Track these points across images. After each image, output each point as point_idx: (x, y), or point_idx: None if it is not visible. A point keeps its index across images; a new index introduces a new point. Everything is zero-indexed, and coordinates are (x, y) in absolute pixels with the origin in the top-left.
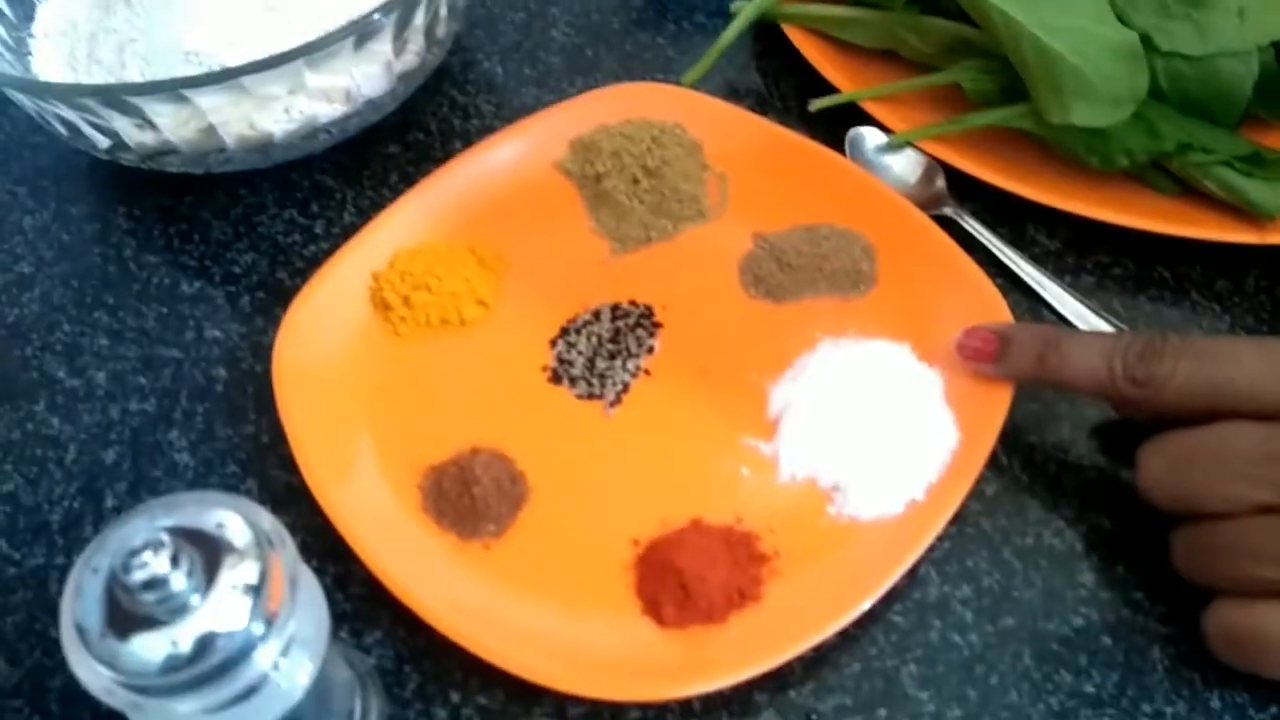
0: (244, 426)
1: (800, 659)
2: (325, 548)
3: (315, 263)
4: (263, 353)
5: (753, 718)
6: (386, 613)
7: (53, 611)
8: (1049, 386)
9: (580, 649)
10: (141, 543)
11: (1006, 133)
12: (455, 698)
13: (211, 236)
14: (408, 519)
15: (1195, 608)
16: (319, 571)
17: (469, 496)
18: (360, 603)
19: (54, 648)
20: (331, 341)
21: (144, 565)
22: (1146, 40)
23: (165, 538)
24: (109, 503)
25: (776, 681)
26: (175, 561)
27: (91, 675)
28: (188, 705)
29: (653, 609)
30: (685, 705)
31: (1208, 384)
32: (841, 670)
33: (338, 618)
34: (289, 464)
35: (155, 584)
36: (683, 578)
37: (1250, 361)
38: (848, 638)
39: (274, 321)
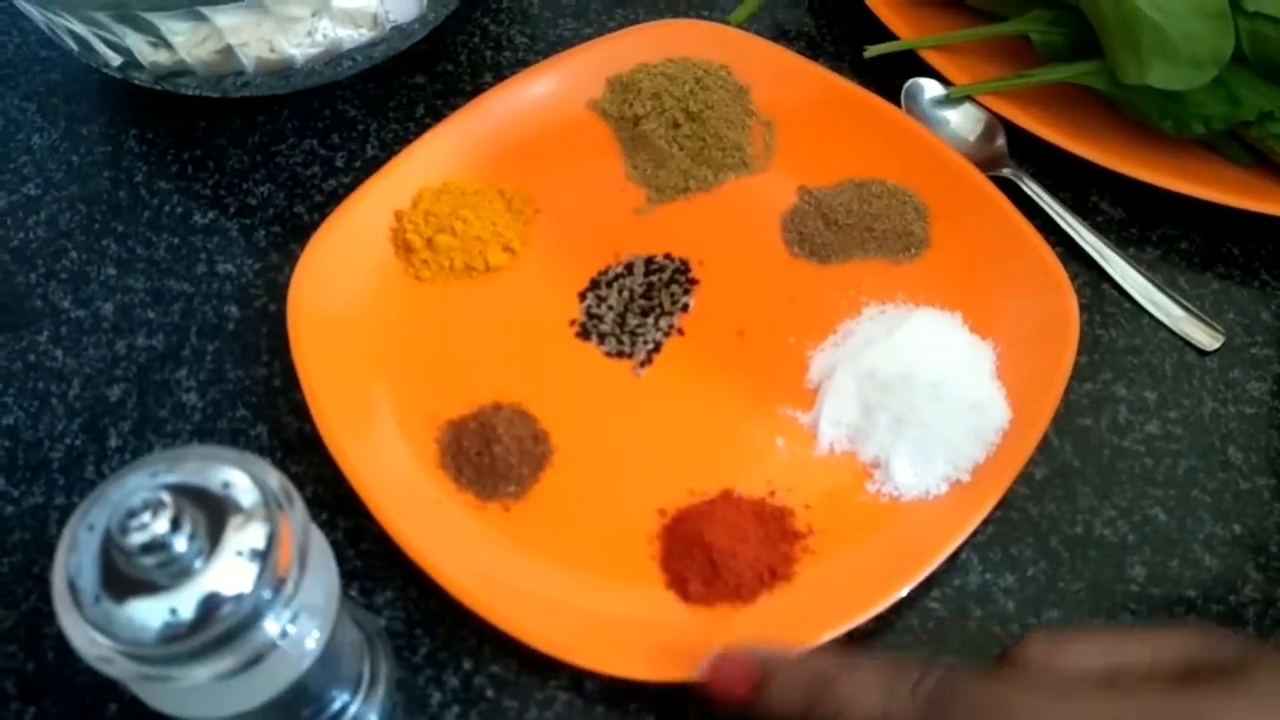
0: (256, 369)
1: (831, 643)
2: (336, 501)
3: (335, 197)
4: (277, 291)
5: None
6: (399, 572)
7: (51, 554)
8: None
9: (599, 622)
10: (141, 502)
11: (1074, 91)
12: (468, 665)
13: (227, 165)
14: (424, 475)
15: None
16: (329, 525)
17: (489, 455)
18: (371, 560)
19: (51, 592)
20: (350, 283)
21: (143, 527)
22: None
23: (166, 497)
24: (112, 442)
25: None
26: (177, 523)
27: (86, 642)
28: (190, 675)
29: (678, 584)
30: None
31: None
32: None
33: (347, 575)
34: (301, 410)
35: (155, 547)
36: (711, 552)
37: None
38: (882, 623)
39: (290, 258)
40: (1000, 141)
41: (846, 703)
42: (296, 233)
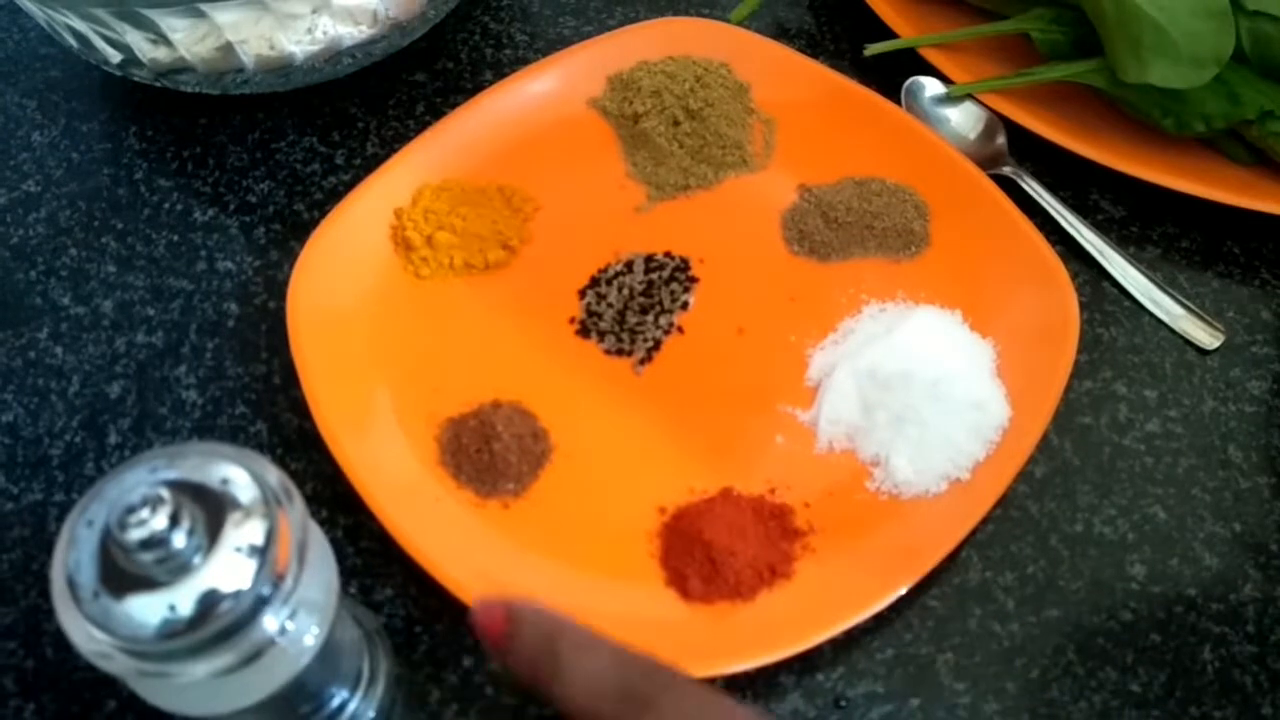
0: (255, 366)
1: (830, 641)
2: (336, 498)
3: (335, 195)
4: (277, 288)
5: (778, 700)
6: (398, 569)
7: (50, 550)
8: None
9: (599, 619)
10: (139, 498)
11: (1075, 89)
12: (467, 662)
13: (227, 162)
14: (424, 472)
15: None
16: (328, 523)
17: (488, 452)
18: (370, 558)
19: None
20: (349, 280)
21: (142, 523)
22: None
23: (165, 493)
24: (112, 439)
25: (804, 663)
26: (175, 519)
27: (84, 637)
28: (188, 671)
29: (678, 581)
30: (707, 684)
31: None
32: (873, 655)
33: (346, 572)
34: (301, 407)
35: (153, 543)
36: (711, 550)
37: None
38: (881, 621)
39: (289, 255)
40: (1001, 140)
41: (564, 683)
42: (296, 230)
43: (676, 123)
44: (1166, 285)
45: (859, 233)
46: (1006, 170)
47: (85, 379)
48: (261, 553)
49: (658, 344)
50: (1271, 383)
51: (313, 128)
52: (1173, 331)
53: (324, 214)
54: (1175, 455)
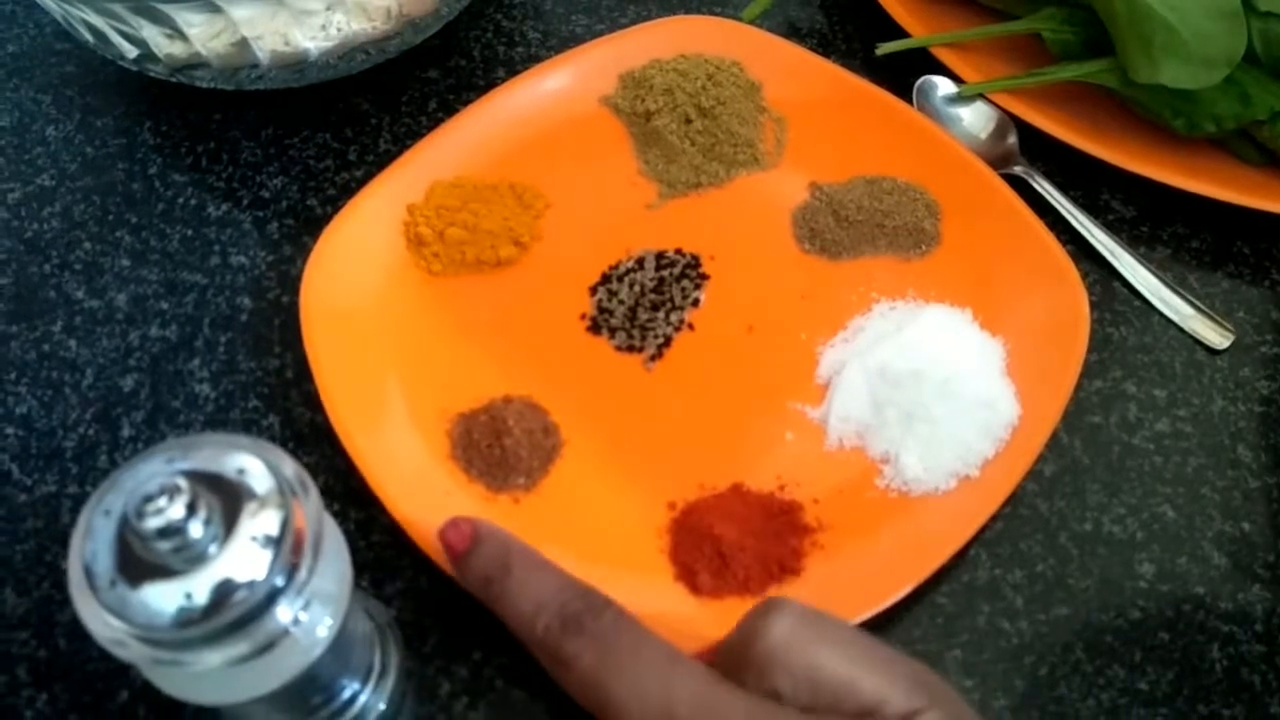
0: (268, 360)
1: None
2: (348, 492)
3: (347, 191)
4: (290, 283)
5: None
6: (409, 562)
7: (64, 542)
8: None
9: None
10: (157, 488)
11: (1086, 89)
12: (477, 655)
13: (241, 157)
14: (435, 467)
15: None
16: (340, 516)
17: (499, 447)
18: (382, 551)
19: (64, 580)
20: (362, 275)
21: (159, 511)
22: None
23: (182, 483)
24: (125, 432)
25: None
26: (192, 508)
27: (101, 625)
28: (202, 660)
29: (687, 576)
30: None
31: (596, 689)
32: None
33: (358, 566)
34: (313, 401)
35: (170, 532)
36: (720, 546)
37: (629, 689)
38: (890, 618)
39: (302, 250)
40: (1012, 139)
41: (510, 595)
42: (309, 225)
43: (688, 121)
44: (1177, 285)
45: (870, 231)
46: (1017, 170)
47: (99, 372)
48: (276, 543)
49: (668, 341)
50: None
51: (326, 124)
52: (1183, 331)
53: (337, 209)
54: (1185, 455)
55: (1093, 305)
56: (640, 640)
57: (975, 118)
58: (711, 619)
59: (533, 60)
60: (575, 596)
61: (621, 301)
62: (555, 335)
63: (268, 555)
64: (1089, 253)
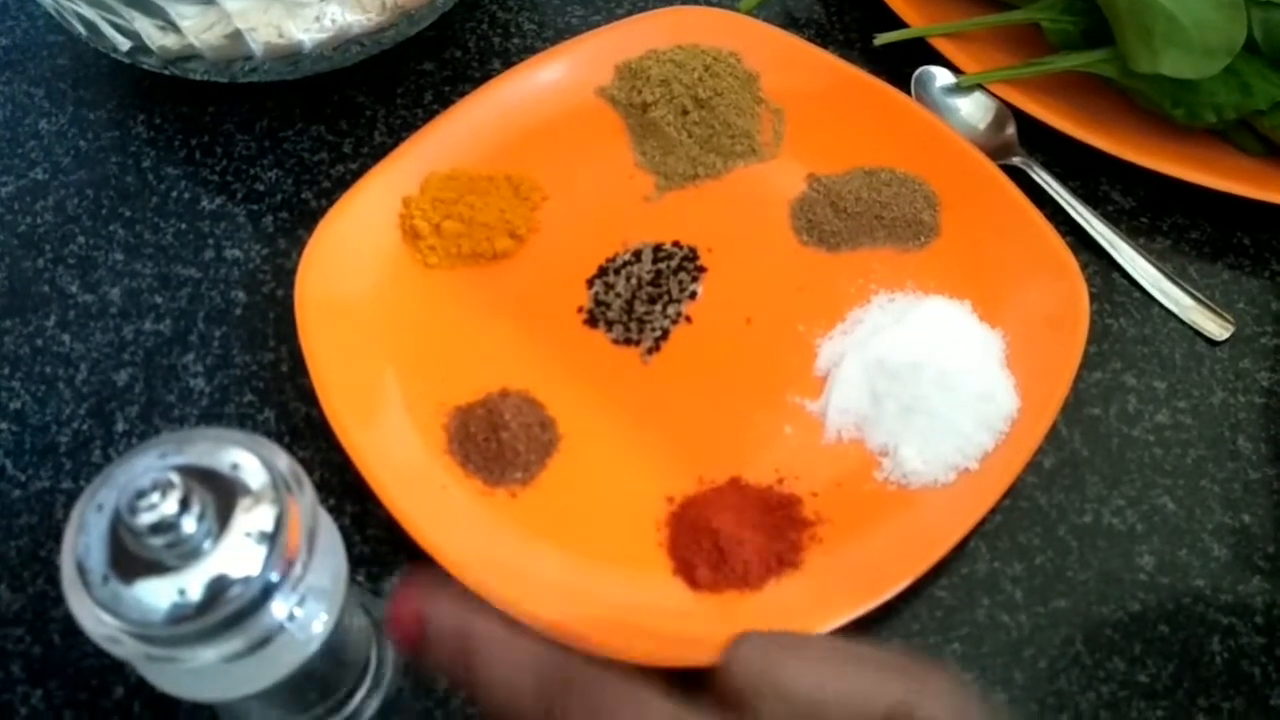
0: (263, 354)
1: (838, 631)
2: (344, 486)
3: (342, 183)
4: (284, 277)
5: None
6: (405, 557)
7: (58, 538)
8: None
9: (606, 607)
10: (150, 483)
11: (1085, 80)
12: None
13: (235, 150)
14: (431, 461)
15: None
16: (336, 511)
17: (496, 441)
18: (378, 546)
19: (58, 576)
20: (357, 269)
21: (152, 507)
22: None
23: (176, 478)
24: (119, 427)
25: None
26: (186, 504)
27: (94, 621)
28: (197, 656)
29: (685, 570)
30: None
31: None
32: (881, 645)
33: (354, 561)
34: (309, 395)
35: (164, 527)
36: (718, 539)
37: None
38: (889, 611)
39: (297, 244)
40: (1010, 130)
41: (481, 683)
42: (304, 218)
43: (685, 112)
44: (1176, 276)
45: (868, 223)
46: (1016, 160)
47: (93, 367)
48: (271, 539)
49: (666, 333)
50: None
51: (321, 116)
52: (1182, 322)
53: (332, 202)
54: (1184, 446)
55: (1092, 296)
56: (624, 696)
57: (974, 108)
58: (710, 613)
59: (528, 51)
60: (551, 667)
61: (619, 294)
62: (552, 328)
63: (262, 551)
64: (1088, 244)
